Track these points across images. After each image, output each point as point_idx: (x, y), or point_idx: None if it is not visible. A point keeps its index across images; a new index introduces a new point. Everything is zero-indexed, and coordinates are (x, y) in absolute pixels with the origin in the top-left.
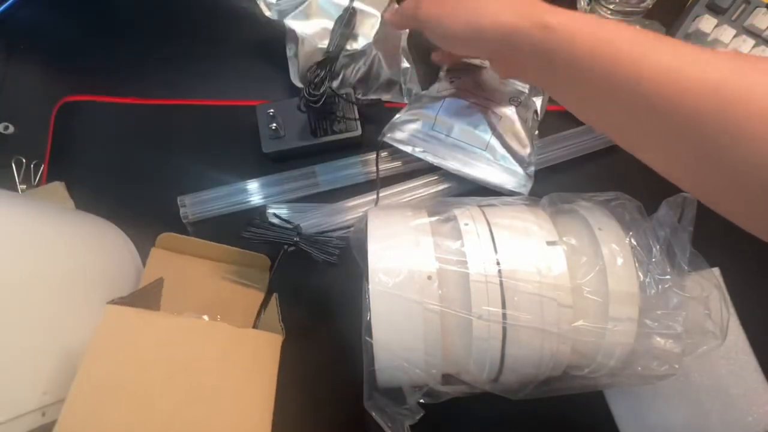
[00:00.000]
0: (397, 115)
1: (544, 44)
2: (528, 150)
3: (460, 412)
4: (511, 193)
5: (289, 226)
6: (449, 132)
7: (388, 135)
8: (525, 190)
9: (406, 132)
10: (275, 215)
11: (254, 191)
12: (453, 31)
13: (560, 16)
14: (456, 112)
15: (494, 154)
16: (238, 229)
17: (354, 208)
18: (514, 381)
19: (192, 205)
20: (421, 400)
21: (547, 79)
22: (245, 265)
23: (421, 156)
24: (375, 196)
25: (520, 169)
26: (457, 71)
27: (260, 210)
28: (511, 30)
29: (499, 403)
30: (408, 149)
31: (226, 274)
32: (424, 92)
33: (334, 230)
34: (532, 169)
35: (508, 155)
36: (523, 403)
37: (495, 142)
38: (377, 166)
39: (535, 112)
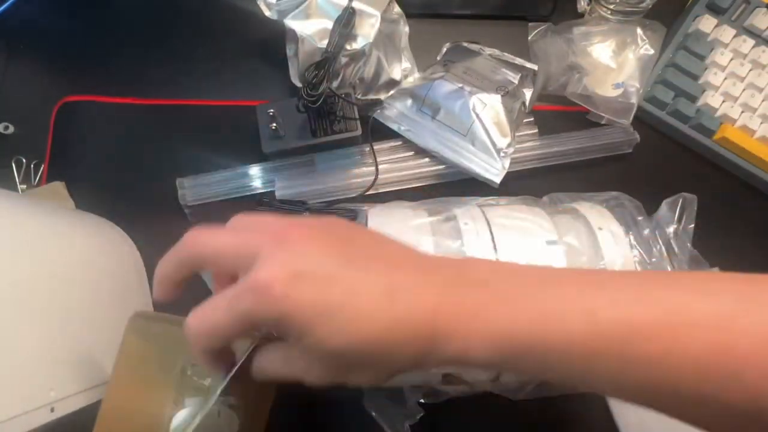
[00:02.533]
0: (391, 92)
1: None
2: (507, 140)
3: (460, 412)
4: (484, 181)
5: (297, 203)
6: (435, 114)
7: (378, 111)
8: (497, 179)
9: (395, 110)
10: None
11: (255, 176)
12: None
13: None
14: (444, 95)
15: (473, 141)
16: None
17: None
18: (515, 381)
19: (191, 188)
20: (421, 400)
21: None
22: None
23: (406, 134)
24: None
25: (496, 158)
26: (453, 55)
27: (261, 195)
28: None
29: (499, 403)
30: (395, 127)
31: None
32: (418, 74)
33: (339, 201)
34: (507, 161)
35: (487, 142)
36: (523, 403)
37: (476, 129)
38: (371, 145)
39: (523, 103)
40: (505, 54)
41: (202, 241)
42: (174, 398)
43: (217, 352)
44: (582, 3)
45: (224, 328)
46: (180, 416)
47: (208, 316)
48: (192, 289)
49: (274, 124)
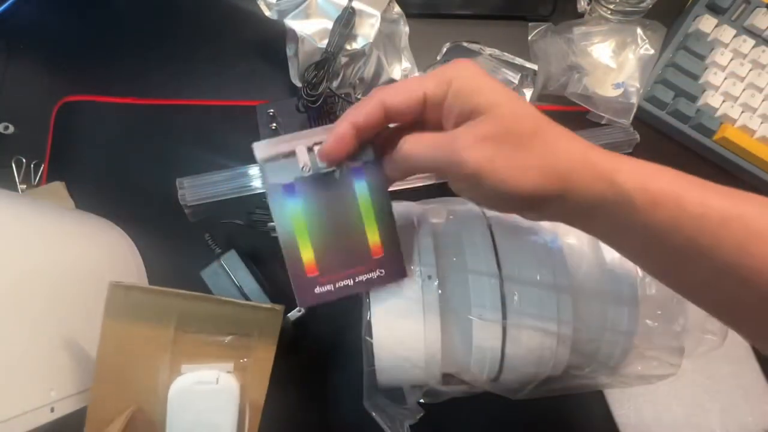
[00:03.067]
0: None
1: (613, 207)
2: None
3: (460, 412)
4: None
5: None
6: None
7: None
8: None
9: None
10: None
11: (255, 176)
12: (517, 190)
13: (628, 173)
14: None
15: None
16: (235, 214)
17: None
18: (515, 381)
19: (191, 188)
20: (421, 400)
21: (610, 238)
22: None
23: None
24: None
25: None
26: (453, 55)
27: (261, 195)
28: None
29: (500, 403)
30: None
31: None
32: (418, 73)
33: None
34: None
35: None
36: (523, 403)
37: None
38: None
39: None
40: (505, 54)
41: (401, 83)
42: (170, 366)
43: (397, 107)
44: (582, 3)
45: (426, 85)
46: (180, 382)
47: (417, 78)
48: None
49: (274, 124)
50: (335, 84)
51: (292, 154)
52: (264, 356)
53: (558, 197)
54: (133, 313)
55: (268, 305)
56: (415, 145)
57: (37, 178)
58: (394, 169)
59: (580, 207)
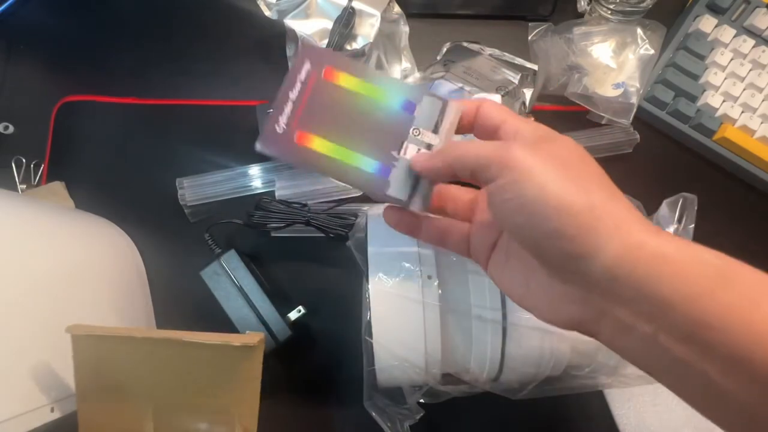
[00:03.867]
0: None
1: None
2: None
3: (460, 412)
4: None
5: (297, 205)
6: None
7: None
8: None
9: None
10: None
11: (255, 176)
12: (557, 195)
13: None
14: (444, 95)
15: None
16: (235, 214)
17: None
18: (515, 380)
19: (191, 188)
20: (421, 400)
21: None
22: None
23: None
24: None
25: None
26: (453, 55)
27: (260, 196)
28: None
29: (499, 403)
30: None
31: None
32: (418, 74)
33: (339, 201)
34: None
35: None
36: (523, 403)
37: None
38: None
39: (523, 103)
40: (505, 54)
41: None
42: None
43: (448, 173)
44: (582, 3)
45: (477, 154)
46: None
47: (475, 145)
48: (192, 295)
49: None
50: None
51: (445, 104)
52: (248, 396)
53: (603, 241)
54: (101, 358)
55: (239, 343)
56: (464, 143)
57: (37, 178)
58: (435, 158)
59: (633, 273)
